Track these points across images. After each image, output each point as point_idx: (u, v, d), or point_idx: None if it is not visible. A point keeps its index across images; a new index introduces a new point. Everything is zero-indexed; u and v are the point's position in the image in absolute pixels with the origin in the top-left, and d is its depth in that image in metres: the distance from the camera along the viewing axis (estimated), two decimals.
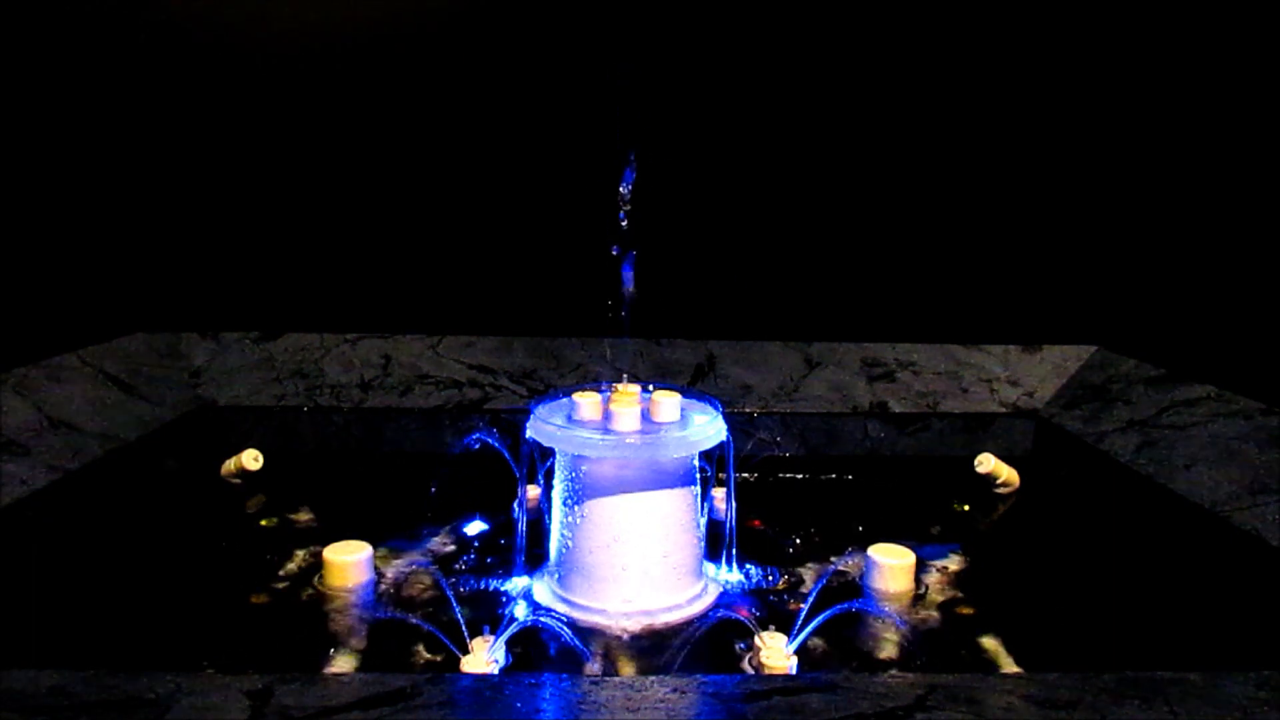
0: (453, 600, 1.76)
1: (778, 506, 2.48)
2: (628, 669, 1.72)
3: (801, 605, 1.70)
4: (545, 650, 1.73)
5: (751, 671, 1.66)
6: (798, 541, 2.28)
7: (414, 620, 1.73)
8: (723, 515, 2.12)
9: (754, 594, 2.02)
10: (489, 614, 1.88)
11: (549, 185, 3.07)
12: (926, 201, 3.18)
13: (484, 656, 1.60)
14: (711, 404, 2.00)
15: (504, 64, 3.05)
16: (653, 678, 1.32)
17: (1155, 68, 3.03)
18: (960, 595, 2.01)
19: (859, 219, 3.18)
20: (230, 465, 2.50)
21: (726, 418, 1.95)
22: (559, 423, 1.90)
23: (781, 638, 1.66)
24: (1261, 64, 2.92)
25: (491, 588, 2.02)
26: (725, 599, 1.99)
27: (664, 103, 2.96)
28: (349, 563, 1.97)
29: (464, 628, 1.67)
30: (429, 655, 1.69)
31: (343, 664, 1.69)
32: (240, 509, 2.44)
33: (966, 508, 2.53)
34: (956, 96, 3.10)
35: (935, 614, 1.93)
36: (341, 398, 2.76)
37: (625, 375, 2.02)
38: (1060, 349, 2.97)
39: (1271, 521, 1.90)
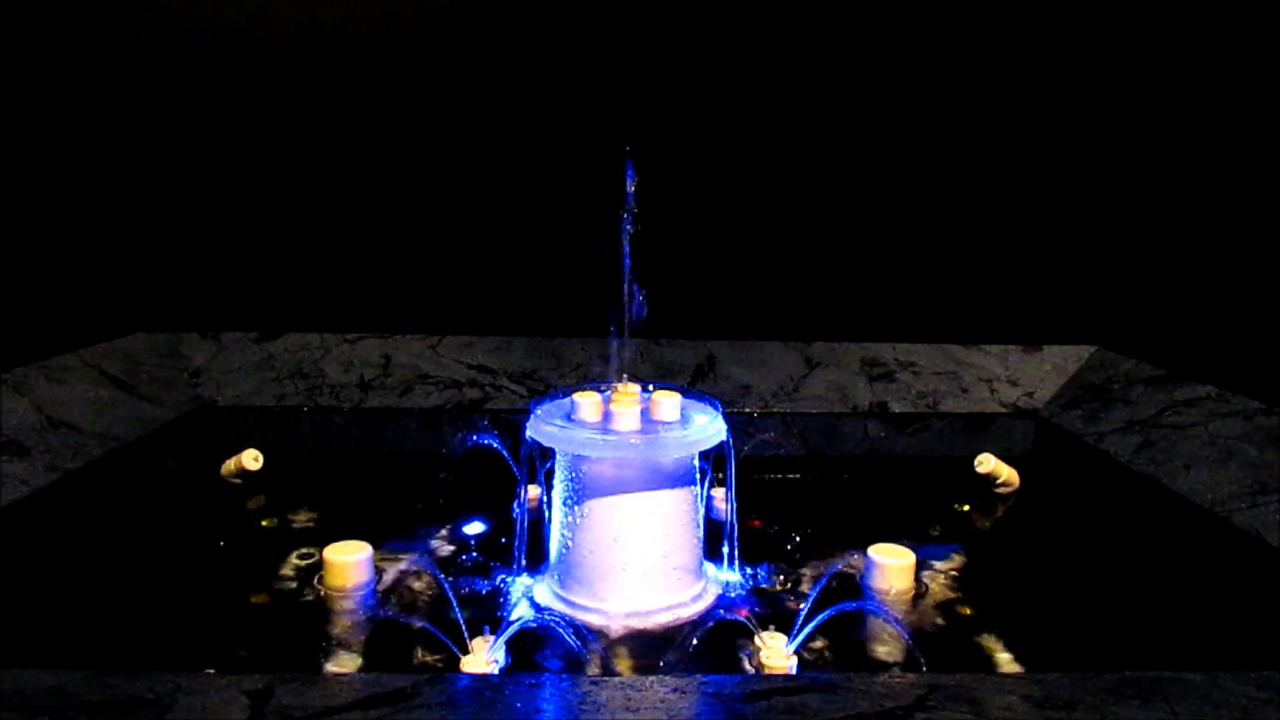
0: (453, 600, 1.75)
1: (778, 506, 2.47)
2: (628, 669, 1.72)
3: (801, 605, 1.70)
4: (545, 650, 1.73)
5: (751, 671, 1.65)
6: (797, 540, 2.28)
7: (414, 620, 1.73)
8: (723, 515, 2.12)
9: (754, 594, 2.02)
10: (489, 614, 1.88)
11: (549, 185, 3.07)
12: (926, 202, 3.18)
13: (484, 656, 1.60)
14: (711, 404, 2.00)
15: (504, 64, 3.05)
16: (653, 678, 1.32)
17: (1155, 68, 3.03)
18: (960, 595, 2.01)
19: (859, 219, 3.18)
20: (230, 465, 2.50)
21: (726, 418, 1.95)
22: (559, 423, 1.90)
23: (781, 638, 1.66)
24: (1261, 64, 2.92)
25: (491, 588, 2.02)
26: (725, 599, 1.99)
27: (664, 103, 2.96)
28: (349, 563, 1.96)
29: (464, 628, 1.67)
30: (429, 655, 1.69)
31: (343, 664, 1.69)
32: (240, 509, 2.44)
33: (966, 508, 2.53)
34: (956, 97, 3.11)
35: (935, 614, 1.93)
36: (341, 398, 2.76)
37: (625, 375, 2.02)
38: (1060, 349, 2.97)
39: (1271, 521, 1.90)
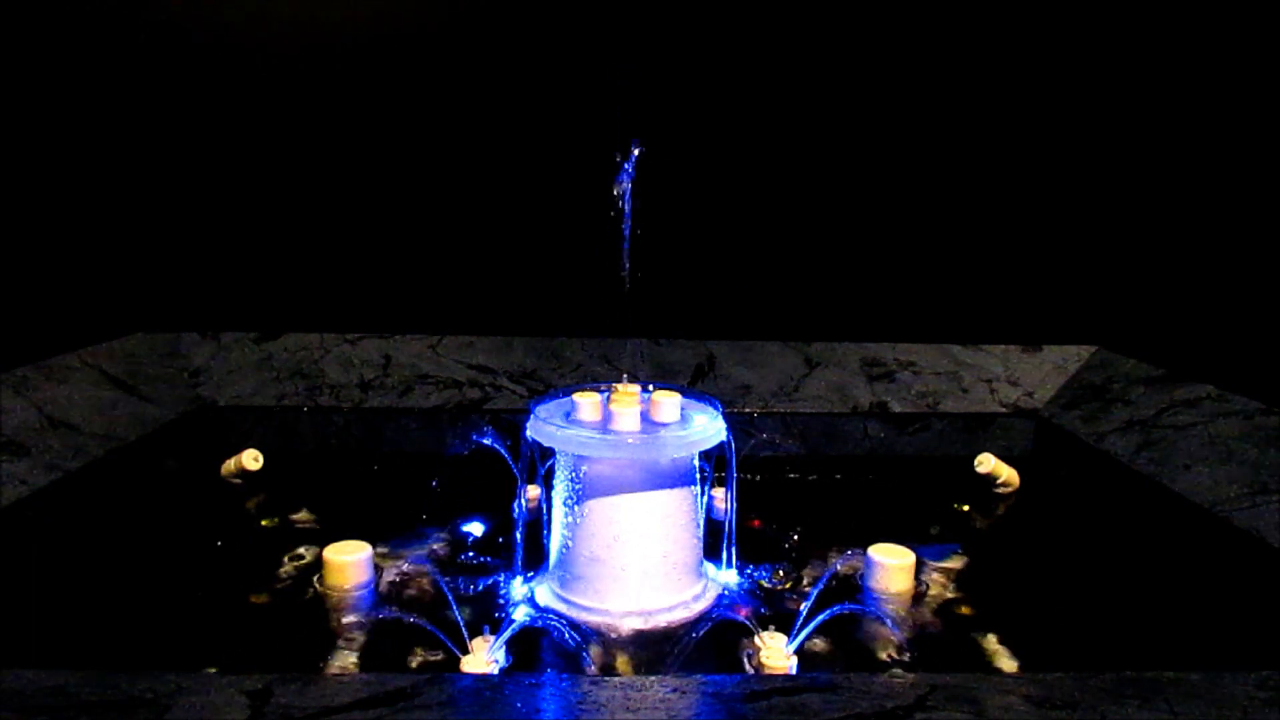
0: (452, 600, 1.76)
1: (778, 506, 2.47)
2: (628, 669, 1.72)
3: (801, 605, 1.70)
4: (545, 650, 1.73)
5: (751, 671, 1.65)
6: (796, 540, 2.27)
7: (414, 620, 1.73)
8: (723, 515, 2.12)
9: (754, 594, 2.02)
10: (489, 614, 1.88)
11: (549, 185, 3.07)
12: (926, 201, 3.18)
13: (484, 656, 1.60)
14: (711, 404, 2.00)
15: (504, 64, 3.05)
16: (653, 678, 1.32)
17: (1155, 68, 3.04)
18: (960, 595, 2.01)
19: (859, 219, 3.18)
20: (230, 465, 2.50)
21: (726, 418, 1.95)
22: (559, 423, 1.90)
23: (781, 638, 1.66)
24: (1261, 64, 2.92)
25: (491, 588, 2.02)
26: (725, 599, 1.99)
27: (664, 103, 2.96)
28: (349, 563, 1.96)
29: (464, 628, 1.67)
30: (429, 655, 1.69)
31: (343, 664, 1.69)
32: (240, 509, 2.44)
33: (966, 508, 2.53)
34: (956, 96, 3.11)
35: (935, 614, 1.93)
36: (341, 398, 2.76)
37: (625, 375, 2.02)
38: (1060, 349, 2.97)
39: (1271, 521, 1.90)
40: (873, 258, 3.19)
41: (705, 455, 2.01)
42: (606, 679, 1.41)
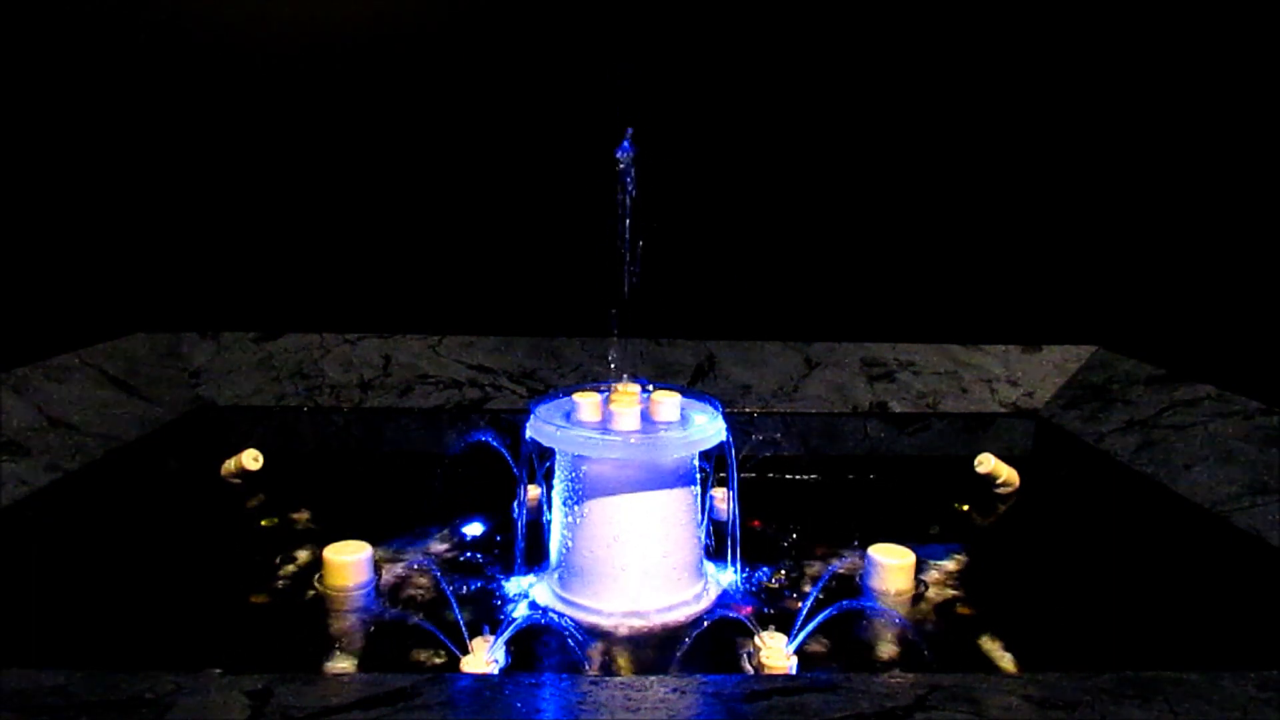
0: (452, 600, 1.76)
1: (778, 506, 2.47)
2: (628, 669, 1.72)
3: (801, 605, 1.70)
4: (545, 650, 1.73)
5: (751, 671, 1.65)
6: (796, 540, 2.27)
7: (414, 620, 1.73)
8: (723, 515, 2.12)
9: (754, 594, 2.02)
10: (489, 614, 1.88)
11: (549, 185, 3.07)
12: (926, 202, 3.18)
13: (484, 656, 1.59)
14: (711, 404, 2.00)
15: (504, 64, 3.05)
16: (653, 678, 1.32)
17: (1155, 68, 3.04)
18: (960, 595, 2.01)
19: (859, 219, 3.18)
20: (230, 465, 2.50)
21: (726, 418, 1.95)
22: (559, 423, 1.90)
23: (781, 638, 1.66)
24: (1261, 64, 2.92)
25: (491, 588, 2.02)
26: (725, 599, 1.99)
27: (664, 103, 2.96)
28: (349, 563, 1.96)
29: (464, 628, 1.67)
30: (429, 655, 1.69)
31: (343, 664, 1.69)
32: (240, 509, 2.44)
33: (966, 508, 2.53)
34: (956, 97, 3.11)
35: (935, 614, 1.93)
36: (341, 398, 2.76)
37: (625, 375, 2.02)
38: (1060, 349, 2.97)
39: (1271, 521, 1.90)
40: (873, 258, 3.19)
41: (705, 455, 2.01)
42: (606, 679, 1.41)
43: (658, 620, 1.86)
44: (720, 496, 2.21)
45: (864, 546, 2.06)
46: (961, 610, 1.95)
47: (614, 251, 2.00)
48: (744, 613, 1.83)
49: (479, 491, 2.35)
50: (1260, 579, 1.84)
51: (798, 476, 2.69)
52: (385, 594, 1.98)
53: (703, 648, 1.72)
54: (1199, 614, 1.83)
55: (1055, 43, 3.06)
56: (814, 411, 2.77)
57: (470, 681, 1.37)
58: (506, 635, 1.63)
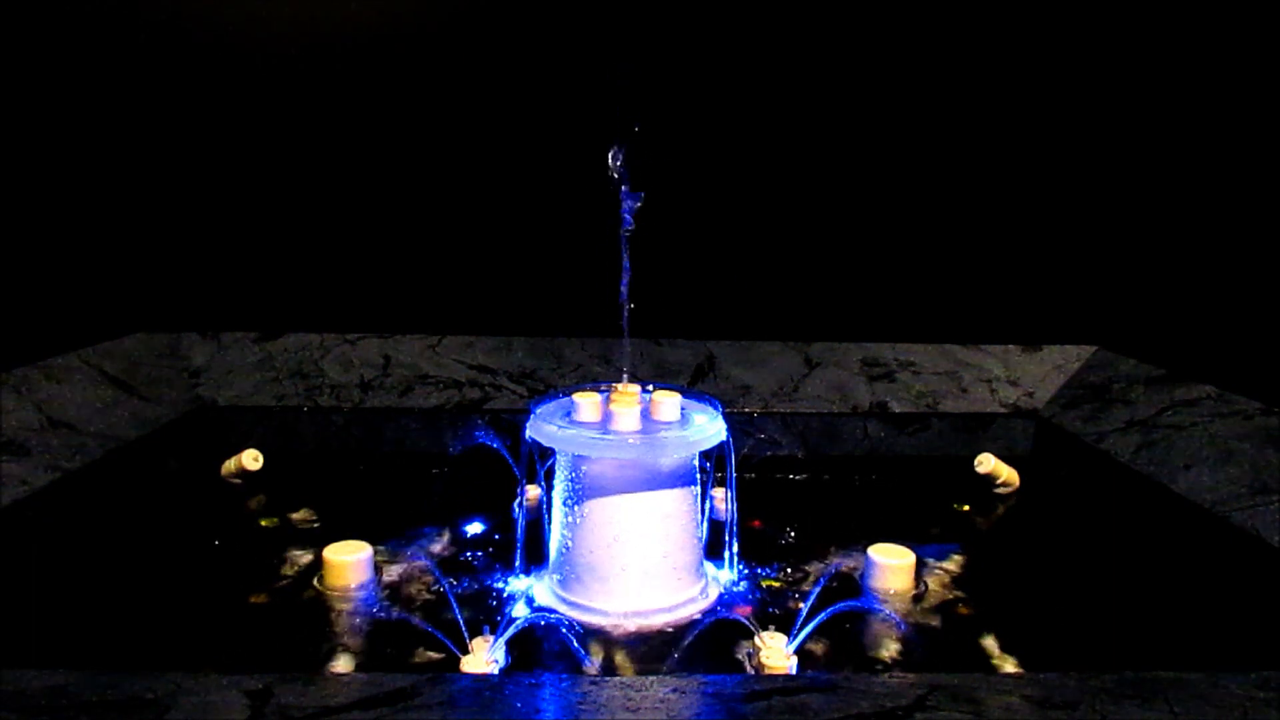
0: (453, 600, 1.76)
1: (778, 506, 2.47)
2: (628, 669, 1.72)
3: (801, 605, 1.70)
4: (545, 650, 1.73)
5: (751, 671, 1.65)
6: (795, 540, 2.27)
7: (414, 620, 1.73)
8: (723, 515, 2.12)
9: (754, 594, 2.02)
10: (489, 614, 1.88)
11: (549, 185, 3.07)
12: (926, 201, 3.18)
13: (484, 656, 1.59)
14: (711, 404, 2.00)
15: (504, 63, 3.05)
16: (653, 678, 1.32)
17: (1155, 68, 3.04)
18: (960, 595, 2.01)
19: (858, 219, 3.18)
20: (230, 465, 2.50)
21: (726, 418, 1.95)
22: (559, 423, 1.90)
23: (781, 638, 1.66)
24: (1261, 64, 2.92)
25: (491, 588, 2.02)
26: (725, 599, 1.99)
27: (664, 103, 2.96)
28: (349, 563, 1.96)
29: (464, 628, 1.67)
30: (429, 655, 1.69)
31: (343, 664, 1.69)
32: (240, 509, 2.44)
33: (966, 508, 2.53)
34: (956, 96, 3.11)
35: (935, 614, 1.93)
36: (341, 398, 2.76)
37: (625, 375, 2.02)
38: (1060, 349, 2.97)
39: (1271, 521, 1.90)
40: (873, 258, 3.19)
41: (705, 455, 2.01)
42: (606, 679, 1.41)
43: (658, 620, 1.86)
44: (720, 496, 2.21)
45: (864, 546, 2.06)
46: (961, 610, 1.95)
47: (614, 252, 2.00)
48: (744, 613, 1.83)
49: (479, 492, 2.35)
50: (1260, 579, 1.84)
51: (798, 476, 2.69)
52: (385, 594, 1.98)
53: (703, 648, 1.72)
54: (1199, 614, 1.83)
55: (1055, 43, 3.06)
56: (814, 411, 2.77)
57: (470, 681, 1.37)
58: (506, 635, 1.63)
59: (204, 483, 2.52)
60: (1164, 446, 2.34)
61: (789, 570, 2.12)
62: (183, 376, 2.76)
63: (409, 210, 3.13)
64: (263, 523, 2.36)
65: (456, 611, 1.71)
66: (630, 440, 1.84)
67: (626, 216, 1.94)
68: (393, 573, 2.06)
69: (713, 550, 2.09)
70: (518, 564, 2.03)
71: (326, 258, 3.13)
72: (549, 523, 2.05)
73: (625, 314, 2.02)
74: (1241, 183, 2.98)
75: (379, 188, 3.12)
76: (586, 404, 1.93)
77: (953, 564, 2.16)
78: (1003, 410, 2.82)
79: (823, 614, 1.64)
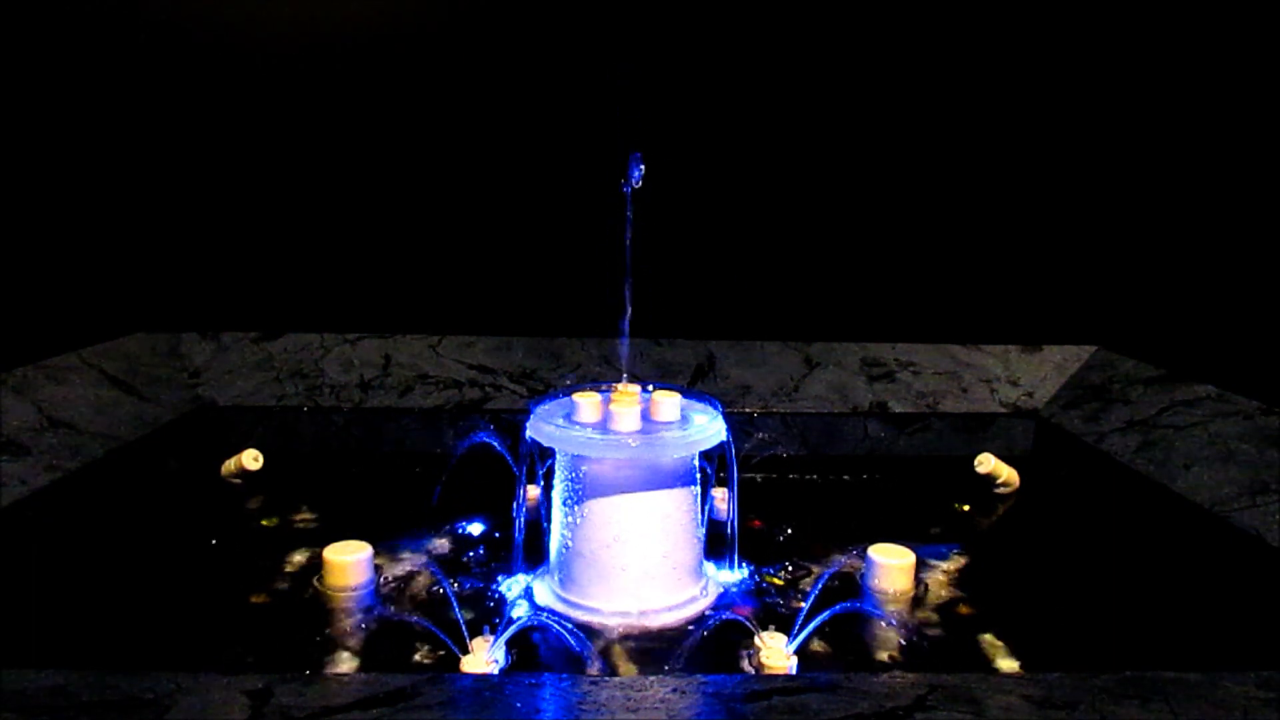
0: (453, 600, 1.75)
1: (778, 506, 2.47)
2: (628, 669, 1.72)
3: (801, 605, 1.70)
4: (545, 650, 1.73)
5: (751, 671, 1.65)
6: (793, 539, 2.27)
7: (414, 620, 1.72)
8: (723, 515, 2.12)
9: (754, 594, 2.02)
10: (489, 614, 1.88)
11: (549, 185, 3.07)
12: (926, 201, 3.18)
13: (484, 656, 1.59)
14: (711, 404, 2.00)
15: (504, 64, 3.05)
16: (653, 678, 1.32)
17: (1155, 68, 3.04)
18: (960, 595, 2.01)
19: (858, 219, 3.18)
20: (230, 465, 2.50)
21: (726, 418, 1.95)
22: (559, 423, 1.90)
23: (781, 638, 1.66)
24: (1261, 64, 2.92)
25: (491, 588, 2.02)
26: (725, 599, 1.99)
27: (664, 103, 2.96)
28: (349, 563, 1.96)
29: (464, 628, 1.67)
30: (429, 655, 1.69)
31: (343, 664, 1.69)
32: (240, 509, 2.44)
33: (966, 508, 2.53)
34: (956, 97, 3.11)
35: (935, 614, 1.93)
36: (341, 398, 2.76)
37: (625, 375, 2.02)
38: (1060, 349, 2.97)
39: (1271, 521, 1.90)
40: (873, 258, 3.19)
41: (705, 455, 2.01)
42: (606, 679, 1.41)
43: (658, 620, 1.86)
44: (720, 496, 2.21)
45: (864, 546, 2.05)
46: (961, 610, 1.95)
47: (615, 252, 2.00)
48: (744, 613, 1.83)
49: (479, 491, 2.35)
50: (1260, 579, 1.84)
51: (798, 476, 2.69)
52: (385, 594, 1.98)
53: (703, 648, 1.72)
54: (1199, 614, 1.83)
55: (1055, 43, 3.06)
56: (814, 411, 2.77)
57: (470, 681, 1.37)
58: (506, 635, 1.63)
59: (204, 483, 2.52)
60: (1164, 446, 2.34)
61: (789, 570, 2.12)
62: (183, 376, 2.77)
63: (409, 210, 3.14)
64: (263, 523, 2.36)
65: (456, 611, 1.71)
66: (630, 440, 1.84)
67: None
68: (393, 573, 2.06)
69: (713, 550, 2.09)
70: (517, 564, 2.03)
71: (326, 258, 3.13)
72: (548, 523, 2.05)
73: (627, 314, 2.02)
74: (1241, 183, 2.98)
75: (379, 188, 3.12)
76: (586, 404, 1.93)
77: (953, 564, 2.16)
78: (1003, 410, 2.82)
79: (823, 614, 1.64)
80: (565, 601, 1.91)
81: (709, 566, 2.06)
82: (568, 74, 3.02)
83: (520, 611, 1.88)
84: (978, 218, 3.18)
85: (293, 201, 3.10)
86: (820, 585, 1.79)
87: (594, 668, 1.68)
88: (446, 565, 2.12)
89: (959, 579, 2.08)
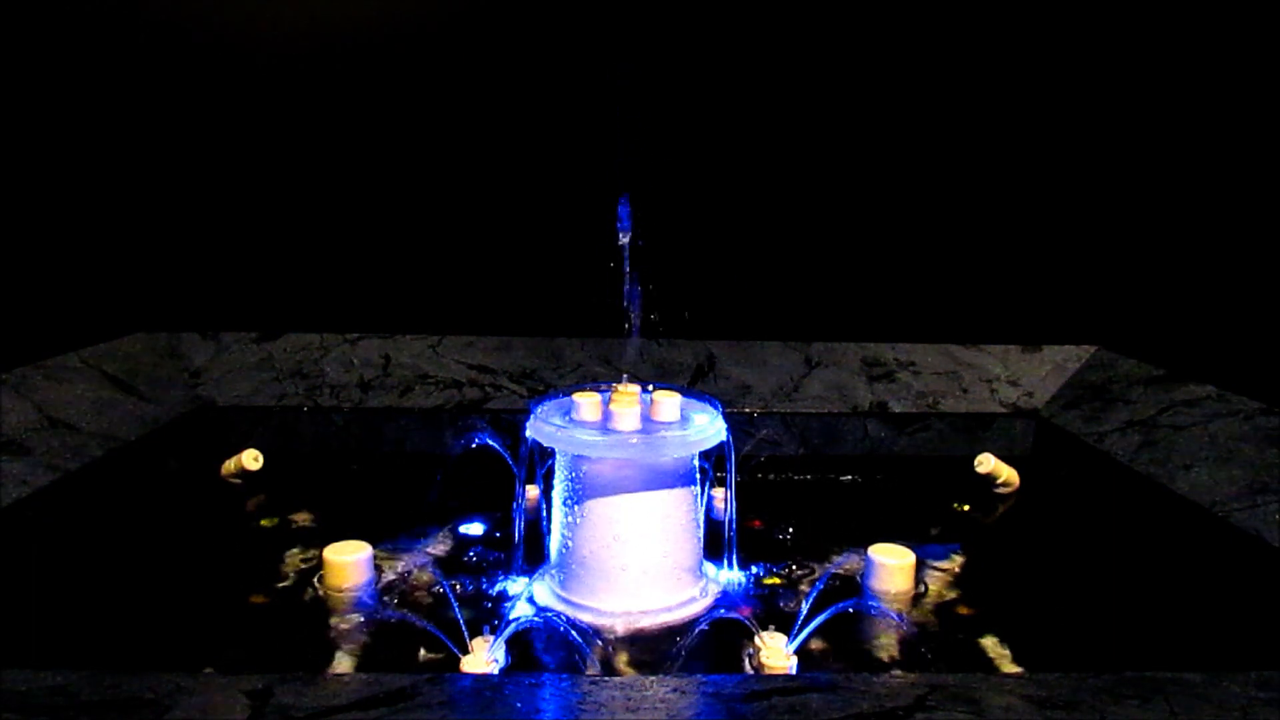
0: (453, 600, 1.75)
1: (778, 506, 2.47)
2: (628, 669, 1.72)
3: (801, 605, 1.70)
4: (545, 650, 1.73)
5: (751, 671, 1.65)
6: (793, 539, 2.27)
7: (414, 620, 1.72)
8: (723, 515, 2.12)
9: (754, 594, 2.02)
10: (489, 614, 1.88)
11: (549, 185, 3.07)
12: (926, 201, 3.18)
13: (484, 656, 1.60)
14: (711, 404, 2.00)
15: (504, 64, 3.05)
16: (653, 678, 1.32)
17: (1155, 68, 3.03)
18: (960, 595, 2.01)
19: (858, 219, 3.18)
20: (230, 465, 2.50)
21: (726, 418, 1.95)
22: (559, 423, 1.90)
23: (781, 638, 1.66)
24: (1260, 64, 2.92)
25: (491, 588, 2.02)
26: (725, 599, 1.99)
27: (664, 103, 2.96)
28: (349, 563, 1.96)
29: (464, 628, 1.67)
30: (429, 655, 1.69)
31: (343, 664, 1.69)
32: (240, 509, 2.44)
33: (966, 508, 2.53)
34: (956, 96, 3.10)
35: (935, 614, 1.93)
36: (341, 398, 2.76)
37: (625, 375, 2.02)
38: (1060, 349, 2.97)
39: (1271, 521, 1.90)
40: (873, 258, 3.19)
41: (705, 455, 2.01)
42: (606, 679, 1.41)
43: (658, 620, 1.86)
44: (720, 496, 2.21)
45: (864, 546, 2.05)
46: (961, 610, 1.95)
47: (614, 253, 2.00)
48: (744, 613, 1.83)
49: (479, 491, 2.35)
50: (1260, 579, 1.84)
51: (798, 476, 2.69)
52: (385, 594, 1.98)
53: (703, 648, 1.72)
54: (1199, 614, 1.83)
55: (1054, 43, 3.06)
56: (814, 411, 2.77)
57: (470, 681, 1.37)
58: (506, 635, 1.63)
59: (204, 483, 2.52)
60: (1164, 446, 2.34)
61: (789, 570, 2.12)
62: (183, 376, 2.77)
63: (409, 210, 3.13)
64: (263, 523, 2.36)
65: (456, 611, 1.71)
66: (630, 440, 1.84)
67: (624, 223, 1.95)
68: (393, 573, 2.06)
69: (712, 550, 2.09)
70: (517, 564, 2.03)
71: (326, 258, 3.13)
72: (548, 522, 2.05)
73: (633, 314, 2.02)
74: (1241, 183, 2.98)
75: (379, 188, 3.12)
76: (586, 404, 1.93)
77: (953, 564, 2.16)
78: (1003, 410, 2.82)
79: (823, 614, 1.64)
80: (565, 601, 1.91)
81: (709, 566, 2.06)
82: (568, 74, 3.02)
83: (520, 611, 1.88)
84: (977, 218, 3.17)
85: (292, 202, 3.10)
86: (820, 585, 1.79)
87: (594, 667, 1.68)
88: (446, 565, 2.12)
89: (959, 579, 2.08)
